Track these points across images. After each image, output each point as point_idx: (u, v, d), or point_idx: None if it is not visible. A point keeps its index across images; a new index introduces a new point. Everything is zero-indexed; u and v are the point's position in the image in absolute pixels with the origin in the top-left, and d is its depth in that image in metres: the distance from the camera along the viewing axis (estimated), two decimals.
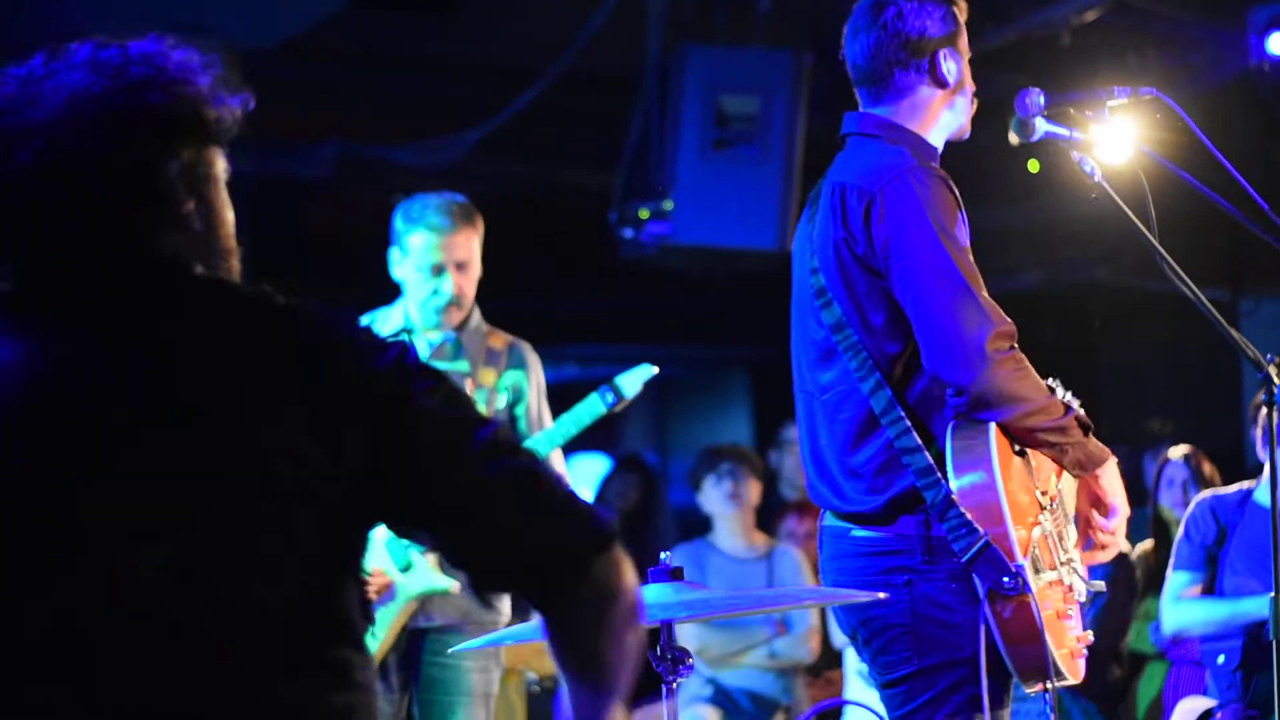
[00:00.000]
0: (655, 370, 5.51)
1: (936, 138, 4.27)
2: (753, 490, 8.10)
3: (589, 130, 9.86)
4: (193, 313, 2.22)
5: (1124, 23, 9.15)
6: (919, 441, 4.00)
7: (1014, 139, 4.42)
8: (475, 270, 5.64)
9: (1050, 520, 4.09)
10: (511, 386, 5.60)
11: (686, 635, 7.58)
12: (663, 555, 3.80)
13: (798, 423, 4.29)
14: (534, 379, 5.63)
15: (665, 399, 14.20)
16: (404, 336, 5.23)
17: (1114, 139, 4.47)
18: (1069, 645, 4.07)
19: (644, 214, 8.89)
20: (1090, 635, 4.18)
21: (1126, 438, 11.26)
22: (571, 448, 5.80)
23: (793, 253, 4.33)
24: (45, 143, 2.21)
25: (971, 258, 4.07)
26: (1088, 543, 4.23)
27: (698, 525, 8.64)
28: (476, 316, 5.64)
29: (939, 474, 3.96)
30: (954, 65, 4.24)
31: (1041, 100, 4.35)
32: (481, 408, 5.66)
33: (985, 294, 4.02)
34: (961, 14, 4.30)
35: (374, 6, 8.93)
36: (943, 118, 4.27)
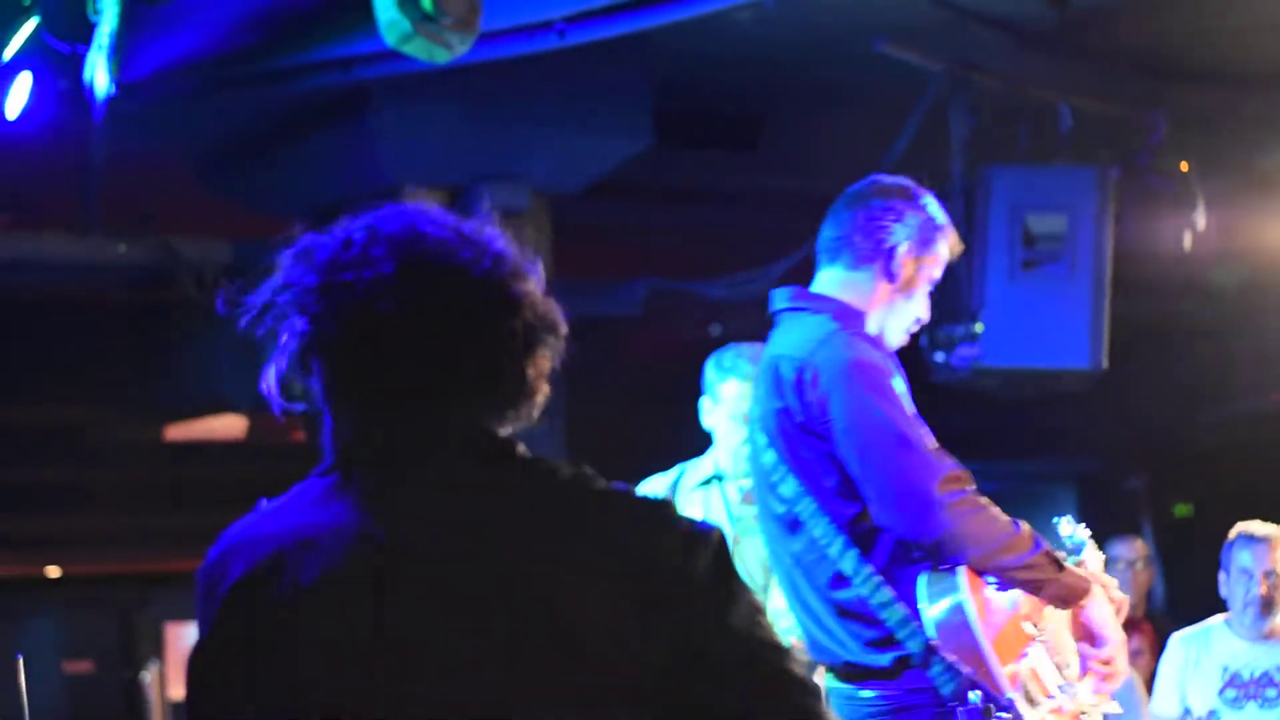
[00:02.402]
0: None
1: (865, 310, 4.22)
2: None
3: None
4: (518, 499, 2.17)
5: None
6: (892, 595, 3.96)
7: None
8: None
9: (1041, 649, 4.02)
10: None
11: None
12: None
13: (784, 591, 4.26)
14: None
15: None
16: (715, 483, 5.63)
17: None
18: None
19: (955, 337, 8.63)
20: None
21: None
22: None
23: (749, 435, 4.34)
24: (404, 299, 2.16)
25: (909, 409, 4.02)
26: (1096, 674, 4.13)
27: None
28: None
29: (916, 623, 3.92)
30: (913, 270, 4.21)
31: None
32: None
33: (927, 441, 3.96)
34: (946, 246, 4.27)
35: (679, 144, 8.79)
36: (880, 308, 4.22)
